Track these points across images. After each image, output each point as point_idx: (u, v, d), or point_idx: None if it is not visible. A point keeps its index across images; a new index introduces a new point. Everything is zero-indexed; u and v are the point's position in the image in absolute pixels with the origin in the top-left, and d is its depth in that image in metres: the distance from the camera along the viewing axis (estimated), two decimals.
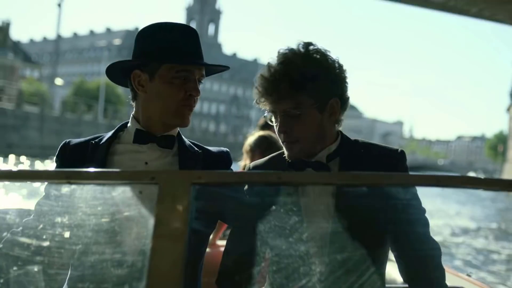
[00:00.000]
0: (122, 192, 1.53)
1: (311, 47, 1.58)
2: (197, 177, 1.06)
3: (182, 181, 1.04)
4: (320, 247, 1.55)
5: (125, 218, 1.53)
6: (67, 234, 1.60)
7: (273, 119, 1.62)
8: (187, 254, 0.95)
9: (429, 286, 1.60)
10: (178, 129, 1.71)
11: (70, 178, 1.12)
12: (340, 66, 1.60)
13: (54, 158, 1.69)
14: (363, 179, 1.13)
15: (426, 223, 1.62)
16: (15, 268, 1.53)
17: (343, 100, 1.62)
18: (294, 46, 1.58)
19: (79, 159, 1.62)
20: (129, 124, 1.68)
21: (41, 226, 1.56)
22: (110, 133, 1.69)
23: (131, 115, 1.69)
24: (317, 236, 1.56)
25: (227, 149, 1.78)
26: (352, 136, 1.69)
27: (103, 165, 1.59)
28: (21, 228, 1.60)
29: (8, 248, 1.55)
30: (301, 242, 1.56)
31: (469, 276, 2.74)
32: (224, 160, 1.74)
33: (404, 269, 1.65)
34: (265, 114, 1.64)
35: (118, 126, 1.71)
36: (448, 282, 2.80)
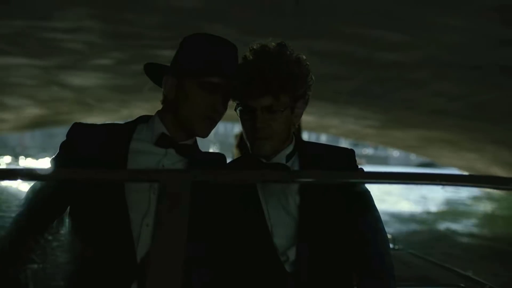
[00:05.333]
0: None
1: (288, 47, 1.63)
2: (197, 176, 1.07)
3: (182, 180, 1.04)
4: (288, 245, 1.59)
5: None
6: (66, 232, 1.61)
7: (243, 114, 1.62)
8: (186, 252, 0.96)
9: (378, 280, 1.63)
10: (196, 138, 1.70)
11: (71, 177, 1.13)
12: (310, 70, 1.66)
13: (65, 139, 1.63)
14: (369, 177, 1.14)
15: (379, 220, 1.68)
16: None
17: (307, 102, 1.68)
18: (267, 43, 1.62)
19: (93, 144, 1.58)
20: (151, 122, 1.66)
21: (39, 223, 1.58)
22: (129, 126, 1.66)
23: (156, 113, 1.68)
24: (283, 233, 1.60)
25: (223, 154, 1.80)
26: None
27: (125, 161, 1.57)
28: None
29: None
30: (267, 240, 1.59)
31: (468, 275, 2.75)
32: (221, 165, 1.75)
33: (355, 263, 1.67)
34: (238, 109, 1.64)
35: (138, 119, 1.69)
36: (448, 280, 2.82)
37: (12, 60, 9.69)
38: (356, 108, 11.97)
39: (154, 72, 1.70)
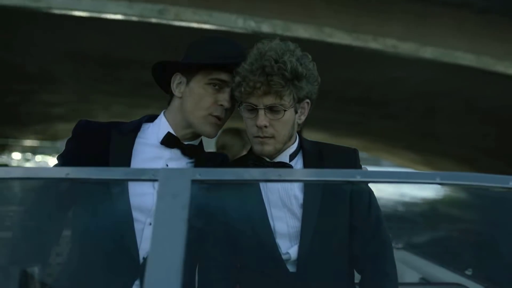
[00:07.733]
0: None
1: (294, 45, 1.60)
2: (196, 175, 1.07)
3: (181, 179, 1.04)
4: (290, 244, 1.60)
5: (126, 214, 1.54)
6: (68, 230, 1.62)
7: (245, 113, 1.60)
8: (186, 251, 0.96)
9: (380, 279, 1.63)
10: (202, 138, 1.71)
11: (71, 176, 1.13)
12: (316, 70, 1.63)
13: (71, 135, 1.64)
14: (370, 177, 1.14)
15: (381, 220, 1.68)
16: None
17: (312, 103, 1.66)
18: (275, 42, 1.60)
19: (99, 142, 1.58)
20: (157, 121, 1.67)
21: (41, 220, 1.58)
22: (134, 124, 1.66)
23: (162, 113, 1.68)
24: (285, 232, 1.60)
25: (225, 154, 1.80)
26: None
27: (129, 159, 1.57)
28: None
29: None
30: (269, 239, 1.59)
31: (468, 273, 2.75)
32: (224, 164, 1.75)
33: (357, 262, 1.68)
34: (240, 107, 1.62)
35: (143, 118, 1.70)
36: (447, 279, 2.82)
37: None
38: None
39: (160, 73, 1.70)
